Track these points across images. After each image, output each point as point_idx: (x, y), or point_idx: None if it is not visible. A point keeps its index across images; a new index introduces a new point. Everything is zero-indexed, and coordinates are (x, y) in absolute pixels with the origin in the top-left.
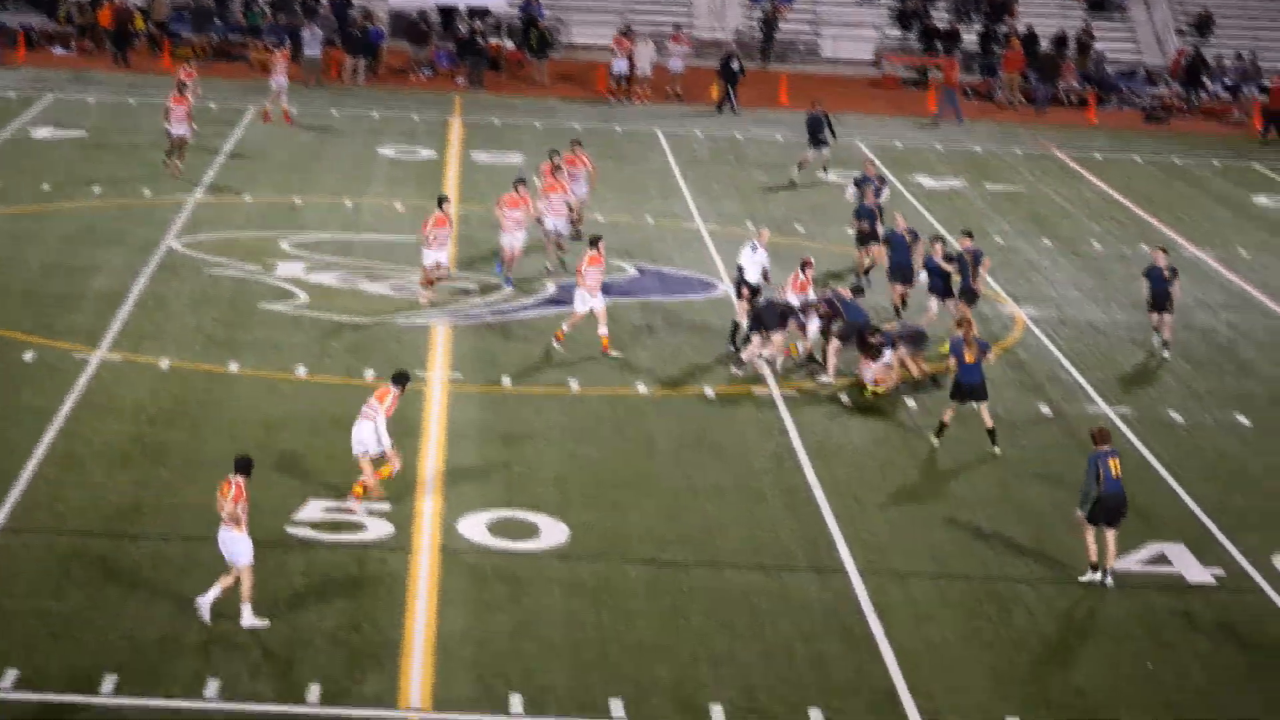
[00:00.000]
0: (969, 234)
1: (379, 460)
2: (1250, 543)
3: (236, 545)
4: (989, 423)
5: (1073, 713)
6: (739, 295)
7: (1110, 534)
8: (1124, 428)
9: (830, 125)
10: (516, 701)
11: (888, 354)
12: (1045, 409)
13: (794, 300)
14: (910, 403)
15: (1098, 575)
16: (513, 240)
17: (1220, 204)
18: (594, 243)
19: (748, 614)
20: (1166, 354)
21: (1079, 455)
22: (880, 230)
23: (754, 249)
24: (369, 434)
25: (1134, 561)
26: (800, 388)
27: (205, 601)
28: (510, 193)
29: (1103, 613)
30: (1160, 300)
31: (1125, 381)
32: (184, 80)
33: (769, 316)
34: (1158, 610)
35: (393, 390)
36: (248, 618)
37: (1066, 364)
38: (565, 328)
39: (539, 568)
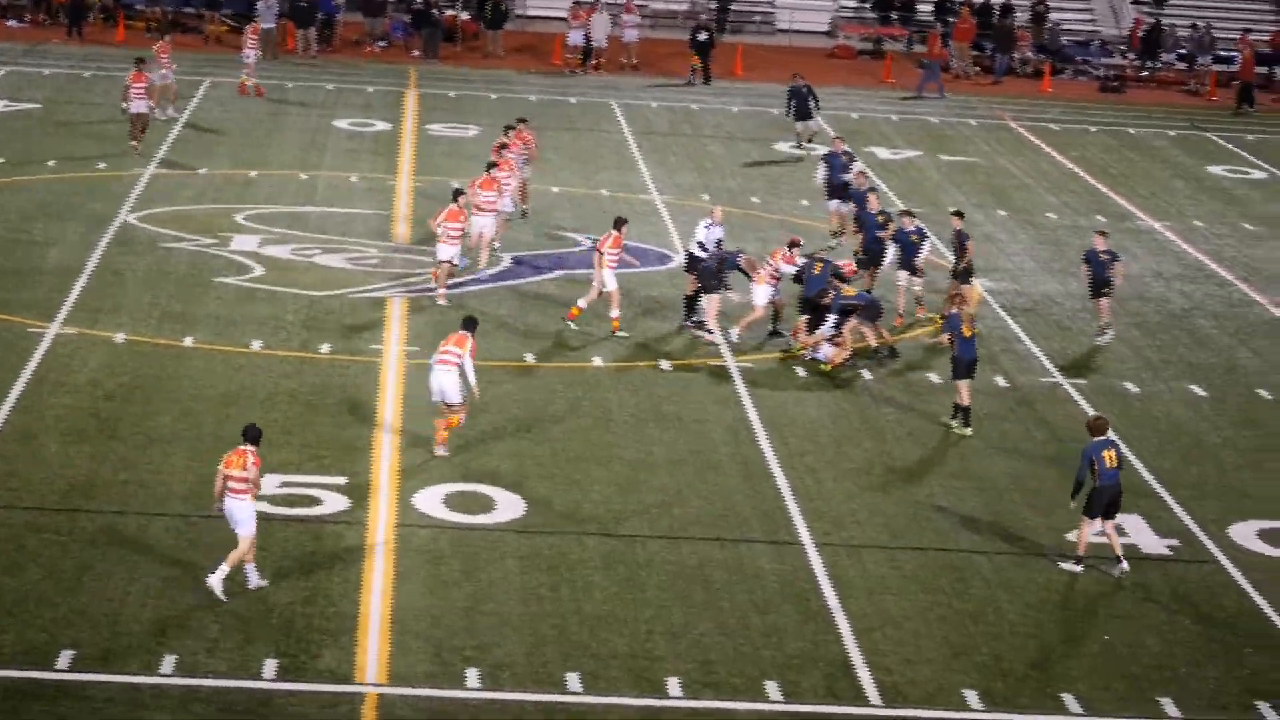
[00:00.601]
0: (959, 214)
1: (454, 408)
2: (1206, 513)
3: (249, 513)
4: (966, 401)
5: (1029, 684)
6: (689, 270)
7: (1110, 525)
8: (1079, 399)
9: (815, 96)
10: (473, 675)
11: (830, 320)
12: (1001, 381)
13: (785, 268)
14: (866, 375)
15: (1079, 568)
16: (451, 254)
17: (1175, 174)
18: (618, 224)
19: (704, 587)
20: (1104, 339)
21: (1035, 427)
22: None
23: (709, 226)
24: (451, 383)
25: (1090, 532)
26: (756, 360)
27: (217, 580)
28: (451, 205)
29: (1058, 584)
30: (1099, 285)
31: (1081, 353)
32: (160, 56)
33: (707, 277)
34: (1113, 581)
35: (469, 336)
36: (255, 577)
37: (1022, 335)
38: (581, 304)
39: (495, 542)
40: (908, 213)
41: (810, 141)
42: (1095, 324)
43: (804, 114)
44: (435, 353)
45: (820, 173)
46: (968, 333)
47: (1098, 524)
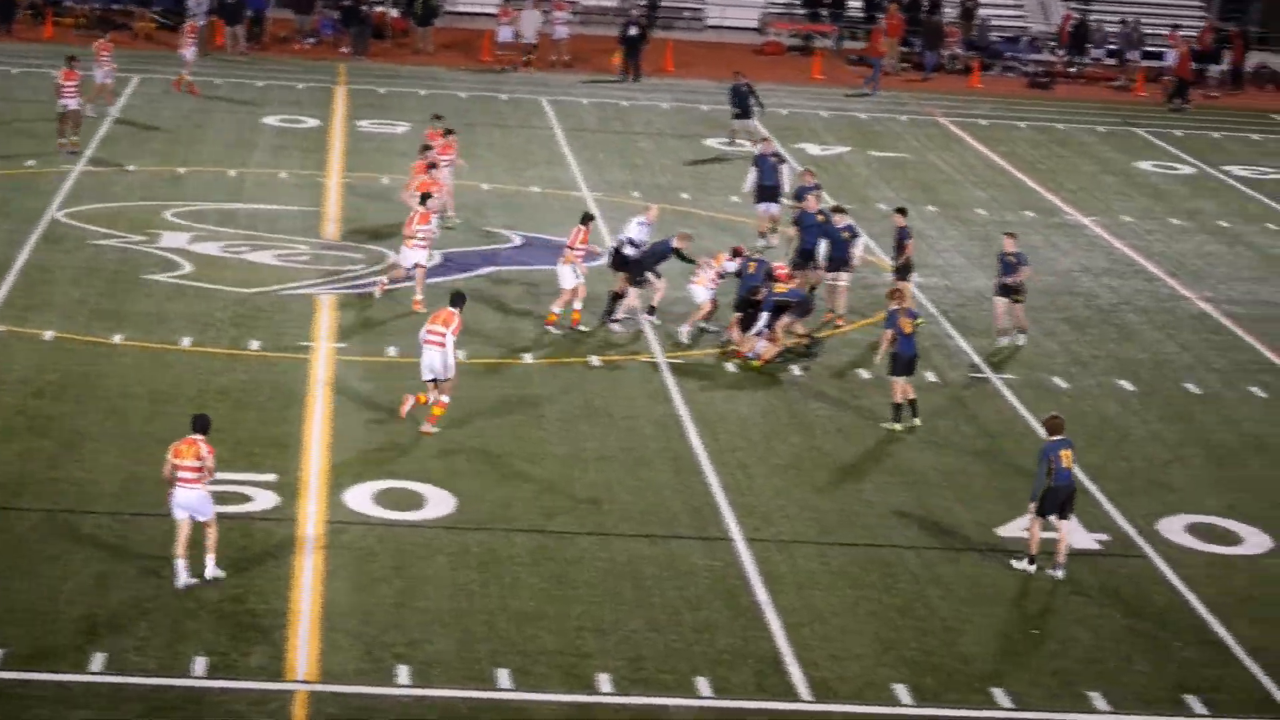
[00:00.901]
0: (902, 210)
1: (443, 385)
2: (1134, 508)
3: (207, 501)
4: (911, 394)
5: (958, 679)
6: (617, 268)
7: (1063, 525)
8: (1009, 394)
9: (756, 96)
10: (403, 672)
11: (763, 318)
12: (931, 376)
13: (730, 266)
14: (796, 371)
15: (1032, 567)
16: (419, 258)
17: (1104, 170)
18: (585, 220)
19: (634, 583)
20: (1011, 340)
21: (965, 423)
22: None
23: (642, 224)
24: (438, 360)
25: (1019, 528)
26: (687, 356)
27: (210, 571)
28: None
29: (988, 579)
30: (1006, 288)
31: (1010, 348)
32: (100, 54)
33: (638, 269)
34: (1043, 576)
35: (456, 313)
36: (212, 569)
37: (952, 331)
38: (556, 309)
39: (425, 538)
40: (839, 209)
41: (738, 142)
42: (997, 326)
43: (743, 113)
44: (424, 330)
45: (751, 175)
46: (908, 329)
47: (1053, 522)
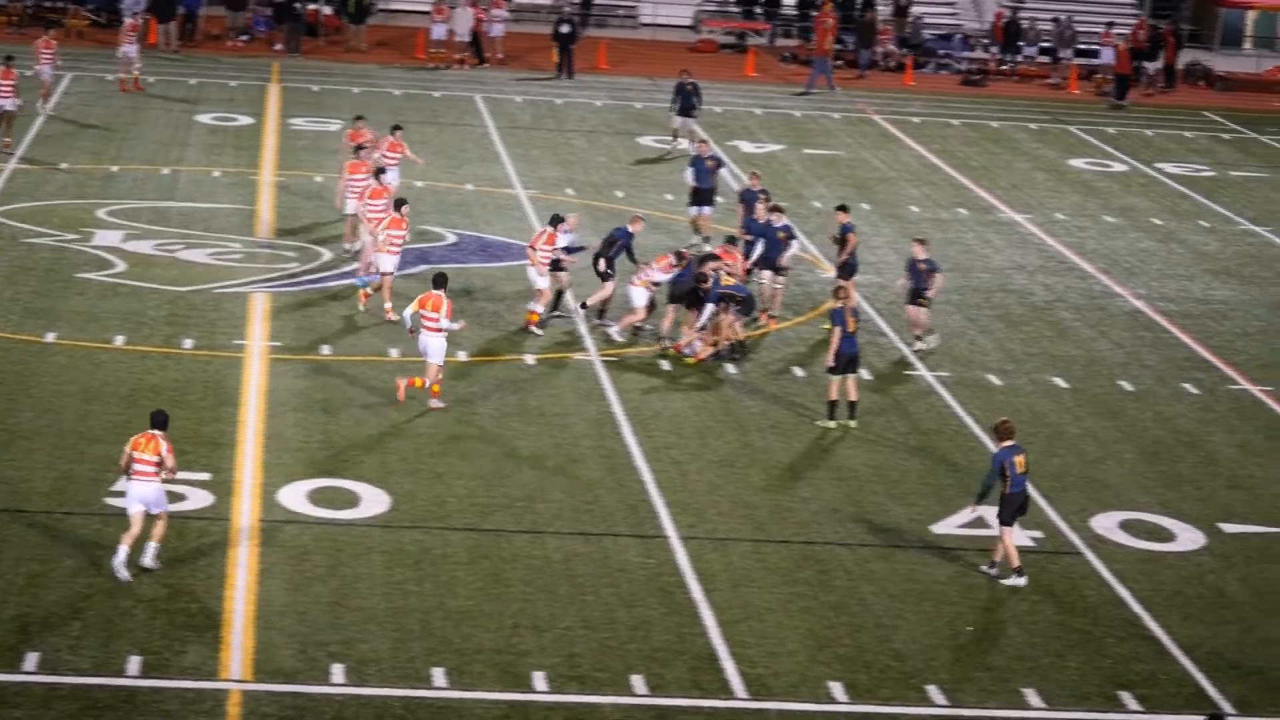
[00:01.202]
0: (844, 208)
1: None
2: (1068, 505)
3: (162, 495)
4: (854, 395)
5: (892, 675)
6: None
7: (1011, 531)
8: (942, 391)
9: (699, 95)
10: (338, 671)
11: (708, 309)
12: (865, 373)
13: (660, 277)
14: (730, 369)
15: (1022, 579)
16: (393, 264)
17: (1036, 167)
18: (554, 222)
19: (569, 581)
20: (927, 344)
21: (898, 419)
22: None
23: (565, 232)
24: (436, 346)
25: (953, 525)
26: (620, 353)
27: (149, 559)
28: (395, 214)
29: (922, 576)
30: (915, 294)
31: (944, 345)
32: (41, 51)
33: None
34: (976, 573)
35: (443, 295)
36: (151, 558)
37: (885, 328)
38: (538, 309)
39: (360, 537)
40: (776, 208)
41: (678, 140)
42: (915, 333)
43: (686, 110)
44: (415, 311)
45: (688, 175)
46: (851, 327)
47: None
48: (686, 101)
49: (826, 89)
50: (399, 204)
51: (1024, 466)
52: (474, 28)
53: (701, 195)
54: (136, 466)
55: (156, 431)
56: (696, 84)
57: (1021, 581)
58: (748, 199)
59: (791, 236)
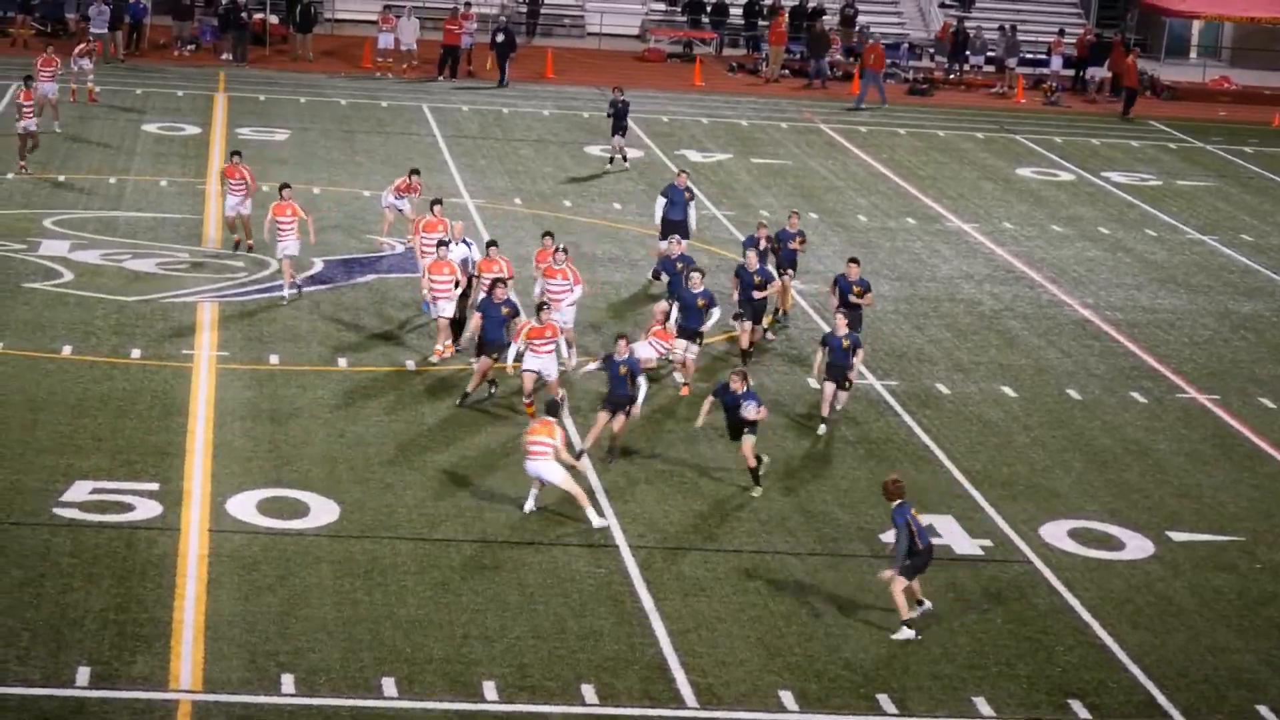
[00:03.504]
0: (795, 213)
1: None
2: (1017, 514)
3: None
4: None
5: (842, 684)
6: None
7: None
8: (891, 400)
9: (627, 114)
10: (288, 681)
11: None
12: (813, 383)
13: (651, 353)
14: (678, 378)
15: (915, 633)
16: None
17: (984, 176)
18: (546, 236)
19: (519, 590)
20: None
21: (846, 428)
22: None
23: (461, 243)
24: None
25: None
26: (565, 364)
27: None
28: (428, 216)
29: (871, 585)
30: (853, 319)
31: (892, 355)
32: (42, 68)
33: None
34: (926, 582)
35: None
36: None
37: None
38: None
39: (309, 547)
40: (697, 270)
41: (620, 158)
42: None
43: (621, 128)
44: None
45: (659, 205)
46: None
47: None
48: (620, 118)
49: (878, 103)
50: (434, 205)
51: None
52: (446, 40)
53: (674, 226)
54: None
55: None
56: (628, 102)
57: (916, 635)
58: (667, 267)
59: (711, 305)
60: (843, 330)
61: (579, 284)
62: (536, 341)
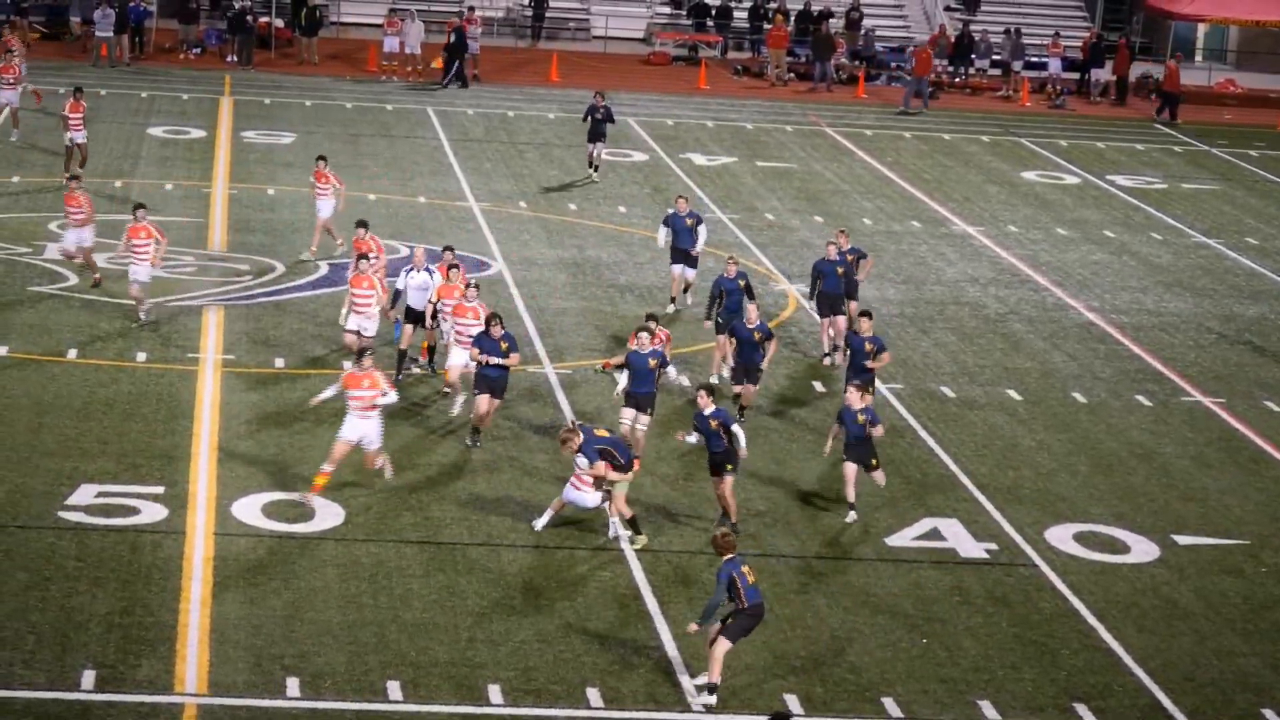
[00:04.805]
0: (843, 231)
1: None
2: (1022, 517)
3: None
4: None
5: (848, 687)
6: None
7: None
8: (896, 403)
9: (611, 118)
10: (293, 685)
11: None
12: (819, 386)
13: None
14: (684, 380)
15: (712, 698)
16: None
17: (989, 179)
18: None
19: (524, 593)
20: (833, 360)
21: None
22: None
23: (409, 271)
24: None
25: (908, 537)
26: (573, 366)
27: None
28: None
29: (877, 588)
30: (865, 381)
31: (897, 358)
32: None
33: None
34: (931, 585)
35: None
36: None
37: (838, 341)
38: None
39: (314, 550)
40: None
41: (596, 165)
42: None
43: (598, 135)
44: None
45: (662, 235)
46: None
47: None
48: (599, 125)
49: (922, 108)
50: (360, 258)
51: (753, 577)
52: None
53: (679, 255)
54: None
55: None
56: (609, 107)
57: (712, 700)
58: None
59: (664, 365)
60: (858, 404)
61: (477, 318)
62: (354, 395)
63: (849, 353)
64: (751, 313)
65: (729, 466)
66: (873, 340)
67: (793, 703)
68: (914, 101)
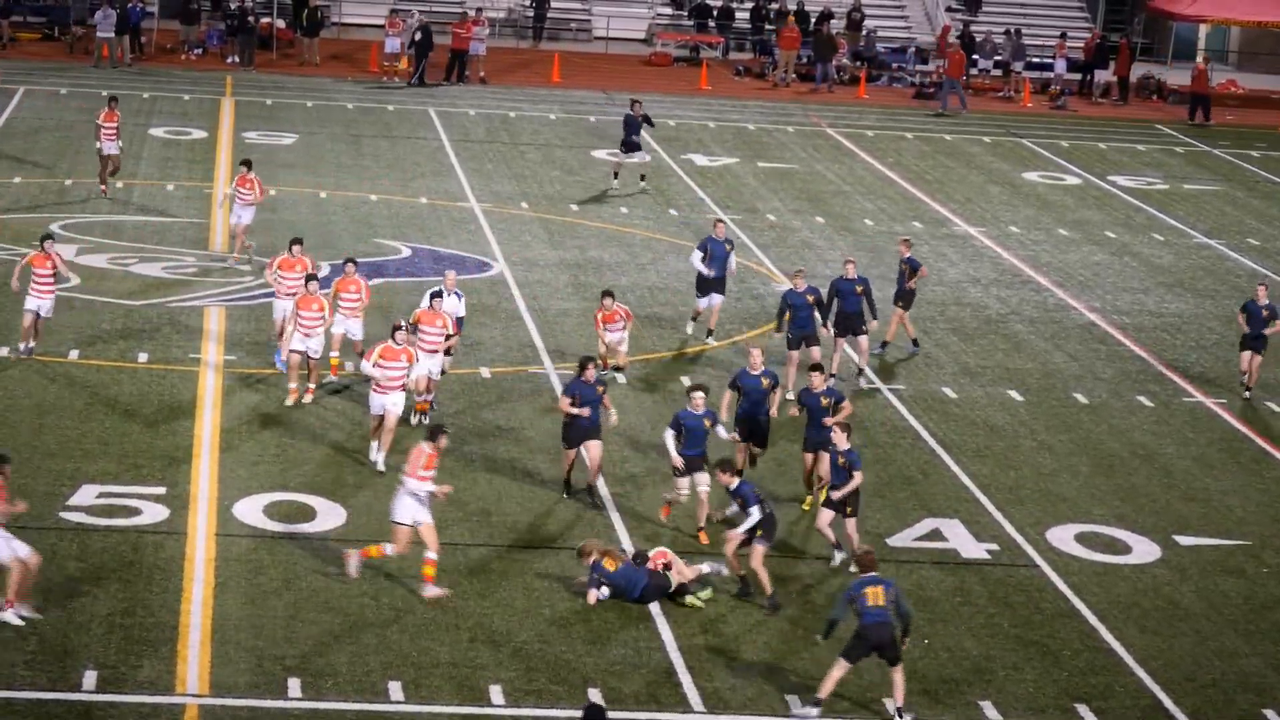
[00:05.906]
0: (907, 241)
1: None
2: (1023, 518)
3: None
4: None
5: (849, 689)
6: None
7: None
8: (898, 404)
9: (650, 123)
10: (295, 685)
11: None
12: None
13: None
14: (684, 380)
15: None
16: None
17: (990, 180)
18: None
19: (526, 594)
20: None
21: (855, 433)
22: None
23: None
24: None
25: (909, 538)
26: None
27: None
28: (285, 254)
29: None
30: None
31: (899, 359)
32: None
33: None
34: (933, 586)
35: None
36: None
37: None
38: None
39: (316, 550)
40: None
41: (616, 177)
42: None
43: (632, 145)
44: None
45: (696, 256)
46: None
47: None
48: (631, 138)
49: (959, 109)
50: (309, 279)
51: (880, 599)
52: (454, 45)
53: (711, 284)
54: None
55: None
56: (647, 115)
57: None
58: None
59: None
60: (844, 446)
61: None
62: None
63: (804, 410)
64: (756, 358)
65: (759, 533)
66: (828, 393)
67: (794, 703)
68: (951, 102)
